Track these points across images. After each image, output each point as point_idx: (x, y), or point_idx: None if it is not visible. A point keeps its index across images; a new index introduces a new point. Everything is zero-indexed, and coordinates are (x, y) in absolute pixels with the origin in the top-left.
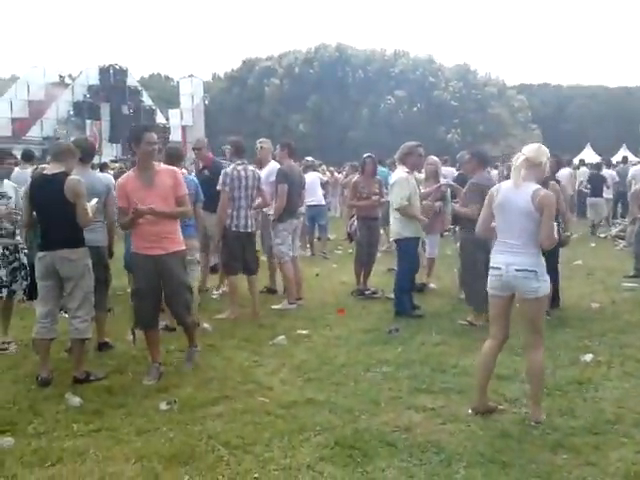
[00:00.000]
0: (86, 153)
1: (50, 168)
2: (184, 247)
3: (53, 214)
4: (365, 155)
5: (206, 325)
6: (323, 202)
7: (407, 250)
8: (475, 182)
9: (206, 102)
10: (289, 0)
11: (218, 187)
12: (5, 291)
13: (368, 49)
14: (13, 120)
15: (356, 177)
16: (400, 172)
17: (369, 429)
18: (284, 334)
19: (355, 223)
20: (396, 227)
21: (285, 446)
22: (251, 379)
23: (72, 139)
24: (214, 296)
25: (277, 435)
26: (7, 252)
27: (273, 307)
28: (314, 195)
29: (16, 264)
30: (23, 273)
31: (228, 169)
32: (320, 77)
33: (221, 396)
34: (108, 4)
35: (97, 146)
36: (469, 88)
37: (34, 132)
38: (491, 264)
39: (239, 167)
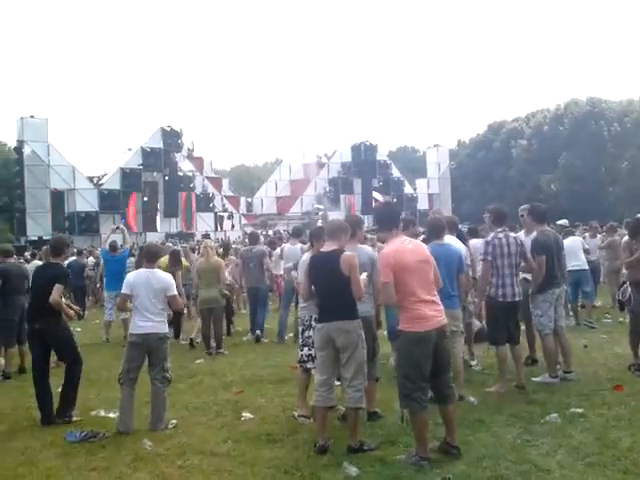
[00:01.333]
0: (354, 228)
1: (327, 246)
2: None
3: (331, 287)
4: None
5: (472, 398)
6: (586, 266)
7: None
8: None
9: (452, 169)
10: (535, 60)
11: (480, 257)
12: None
13: (624, 100)
14: (277, 199)
15: (625, 238)
16: None
17: None
18: (556, 412)
19: (628, 289)
20: None
21: None
22: (526, 459)
23: (330, 214)
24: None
25: None
26: None
27: (534, 379)
28: (576, 259)
29: None
30: None
31: (489, 238)
32: (571, 133)
33: (495, 475)
34: (357, 87)
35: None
36: None
37: (295, 208)
38: None
39: (500, 235)
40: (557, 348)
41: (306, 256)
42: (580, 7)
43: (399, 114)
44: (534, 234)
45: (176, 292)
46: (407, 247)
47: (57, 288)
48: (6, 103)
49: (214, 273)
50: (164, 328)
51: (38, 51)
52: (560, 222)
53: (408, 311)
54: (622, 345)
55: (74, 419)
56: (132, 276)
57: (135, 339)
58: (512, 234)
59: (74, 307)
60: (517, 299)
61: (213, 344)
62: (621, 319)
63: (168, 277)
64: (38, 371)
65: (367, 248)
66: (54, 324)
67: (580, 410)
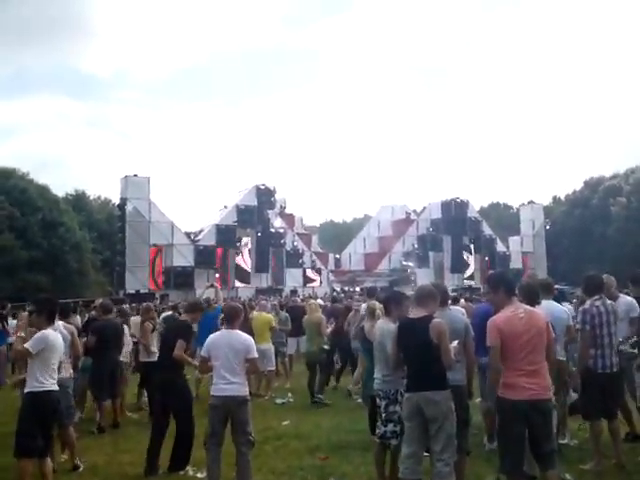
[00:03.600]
0: (443, 296)
1: (415, 312)
2: None
3: (420, 356)
4: None
5: (568, 476)
6: None
7: None
8: None
9: (547, 227)
10: (636, 112)
11: (577, 326)
12: None
13: None
14: (366, 255)
15: None
16: None
17: None
18: None
19: None
20: None
21: None
22: None
23: (419, 271)
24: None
25: None
26: None
27: None
28: None
29: None
30: None
31: (586, 306)
32: None
33: None
34: (450, 141)
35: (442, 275)
36: None
37: (383, 265)
38: None
39: (597, 302)
40: None
41: (380, 323)
42: None
43: (491, 169)
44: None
45: (257, 355)
46: (519, 316)
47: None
48: (112, 162)
49: (315, 327)
50: (245, 390)
51: (143, 112)
52: None
53: (505, 378)
54: None
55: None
56: (212, 337)
57: (215, 401)
58: (609, 301)
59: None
60: (615, 370)
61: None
62: None
63: (249, 339)
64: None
65: (459, 313)
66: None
67: None
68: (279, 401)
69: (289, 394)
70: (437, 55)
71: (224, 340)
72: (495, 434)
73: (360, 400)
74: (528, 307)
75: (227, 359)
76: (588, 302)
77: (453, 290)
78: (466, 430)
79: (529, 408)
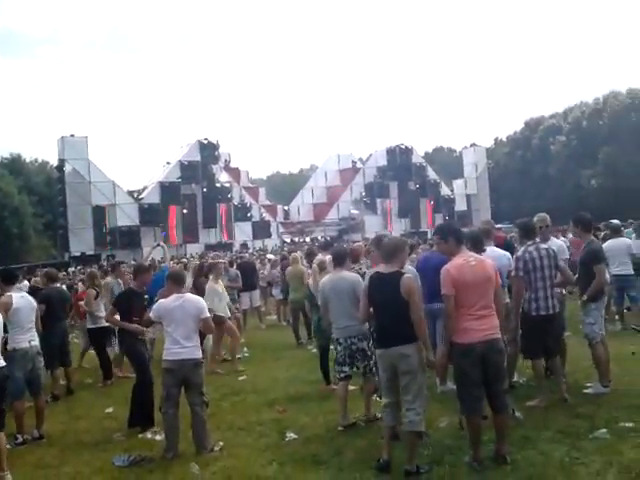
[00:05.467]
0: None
1: (385, 267)
2: None
3: (390, 311)
4: None
5: (517, 414)
6: (631, 271)
7: None
8: None
9: (490, 169)
10: (573, 52)
11: (512, 272)
12: None
13: None
14: (314, 205)
15: None
16: None
17: None
18: (605, 426)
19: None
20: None
21: None
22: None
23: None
24: None
25: None
26: None
27: (585, 391)
28: (621, 264)
29: None
30: None
31: (519, 252)
32: (611, 127)
33: None
34: (391, 88)
35: (389, 222)
36: None
37: (332, 214)
38: None
39: (530, 248)
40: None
41: (326, 278)
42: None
43: (434, 114)
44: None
45: (209, 314)
46: (470, 264)
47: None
48: (47, 123)
49: (298, 278)
50: (198, 353)
51: (76, 71)
52: (613, 221)
53: (459, 323)
54: None
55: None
56: (163, 303)
57: (170, 365)
58: (543, 245)
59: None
60: (552, 312)
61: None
62: None
63: (201, 300)
64: None
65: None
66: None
67: (630, 424)
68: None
69: (244, 349)
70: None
71: (176, 305)
72: (447, 377)
73: (315, 350)
74: (477, 255)
75: (181, 324)
76: (522, 248)
77: (402, 235)
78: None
79: (484, 348)
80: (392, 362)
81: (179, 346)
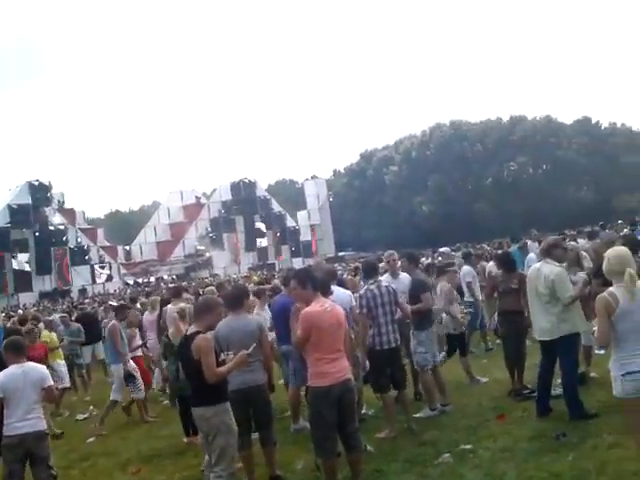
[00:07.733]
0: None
1: (192, 327)
2: None
3: (188, 373)
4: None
5: (369, 447)
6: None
7: (571, 346)
8: None
9: (330, 199)
10: (401, 88)
11: (356, 311)
12: None
13: (483, 120)
14: (158, 244)
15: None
16: (553, 267)
17: None
18: (448, 451)
19: (495, 318)
20: (566, 323)
21: None
22: None
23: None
24: None
25: None
26: None
27: (415, 415)
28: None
29: None
30: None
31: (362, 291)
32: (438, 157)
33: None
34: (234, 122)
35: (238, 256)
36: (595, 141)
37: (177, 252)
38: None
39: (372, 286)
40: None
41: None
42: (437, 34)
43: (275, 148)
44: (404, 276)
45: (52, 382)
46: (326, 310)
47: None
48: None
49: None
50: (43, 424)
51: None
52: (442, 250)
53: (314, 367)
54: (503, 369)
55: None
56: (5, 375)
57: (10, 441)
58: (384, 283)
59: None
60: (394, 345)
61: None
62: (499, 341)
63: (43, 367)
64: None
65: (247, 317)
66: None
67: (469, 446)
68: (81, 417)
69: (91, 407)
70: None
71: (20, 377)
72: (302, 419)
73: (166, 402)
74: (330, 302)
75: (24, 395)
76: (364, 287)
77: (250, 268)
78: (272, 424)
79: (340, 389)
80: (199, 423)
81: (18, 420)
